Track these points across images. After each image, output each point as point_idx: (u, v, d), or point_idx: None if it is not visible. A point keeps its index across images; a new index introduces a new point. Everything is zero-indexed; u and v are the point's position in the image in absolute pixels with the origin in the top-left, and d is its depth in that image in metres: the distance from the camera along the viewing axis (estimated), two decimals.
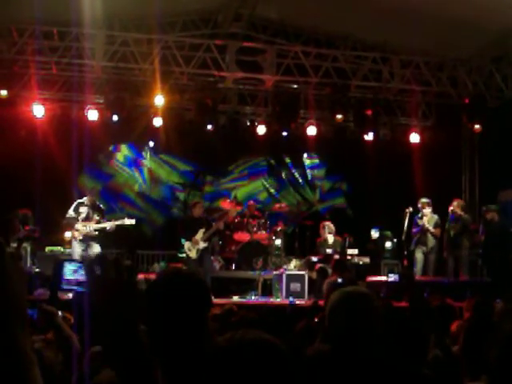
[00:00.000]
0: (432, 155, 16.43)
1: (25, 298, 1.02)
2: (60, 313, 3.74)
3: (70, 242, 13.77)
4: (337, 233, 14.77)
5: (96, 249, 13.01)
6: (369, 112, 16.53)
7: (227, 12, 15.91)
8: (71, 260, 12.14)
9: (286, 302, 12.67)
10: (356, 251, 14.65)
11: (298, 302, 12.38)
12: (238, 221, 15.46)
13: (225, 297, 13.10)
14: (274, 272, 14.24)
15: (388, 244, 15.69)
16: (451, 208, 14.29)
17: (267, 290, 14.14)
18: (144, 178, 17.99)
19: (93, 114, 15.65)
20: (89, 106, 15.61)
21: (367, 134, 16.89)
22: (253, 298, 13.55)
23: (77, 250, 12.97)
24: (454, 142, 17.67)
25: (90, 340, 3.20)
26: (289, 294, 13.32)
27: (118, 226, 13.41)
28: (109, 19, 14.05)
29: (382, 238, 15.78)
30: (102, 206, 13.89)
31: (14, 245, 12.43)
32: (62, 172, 14.21)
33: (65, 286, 10.12)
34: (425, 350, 3.91)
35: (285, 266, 14.49)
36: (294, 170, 18.85)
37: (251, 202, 16.38)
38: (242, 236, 15.21)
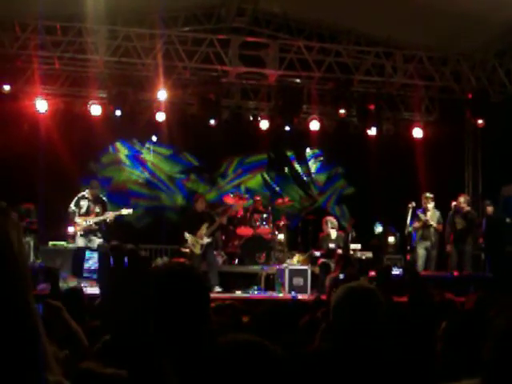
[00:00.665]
0: (435, 150, 16.44)
1: (26, 256, 1.05)
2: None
3: (73, 237, 13.82)
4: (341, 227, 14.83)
5: (96, 243, 13.03)
6: (372, 107, 16.55)
7: (230, 6, 15.92)
8: (92, 249, 12.23)
9: (289, 296, 12.69)
10: (359, 246, 14.68)
11: (300, 297, 12.39)
12: (241, 215, 15.47)
13: (228, 291, 13.14)
14: (277, 266, 14.26)
15: (391, 239, 15.71)
16: (457, 203, 14.29)
17: (270, 284, 14.16)
18: (150, 171, 18.00)
19: (96, 109, 15.67)
20: (92, 101, 15.64)
21: (370, 128, 16.90)
22: (256, 293, 13.57)
23: (80, 244, 13.01)
24: (458, 136, 17.68)
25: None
26: (291, 288, 13.35)
27: (116, 216, 13.42)
28: (111, 14, 14.05)
29: (385, 233, 15.81)
30: (105, 198, 13.90)
31: None
32: (65, 166, 14.24)
33: (85, 274, 10.18)
34: (430, 344, 3.93)
35: (288, 261, 14.51)
36: (296, 165, 18.85)
37: (257, 196, 16.36)
38: (245, 231, 15.23)
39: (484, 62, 16.87)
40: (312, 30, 16.85)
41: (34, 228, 13.69)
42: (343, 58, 16.50)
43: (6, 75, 15.31)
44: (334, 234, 14.40)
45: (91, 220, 13.03)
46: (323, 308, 5.20)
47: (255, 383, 1.88)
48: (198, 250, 13.45)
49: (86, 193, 13.47)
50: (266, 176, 18.57)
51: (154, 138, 17.57)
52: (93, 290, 10.10)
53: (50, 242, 14.02)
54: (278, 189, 18.44)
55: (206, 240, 13.54)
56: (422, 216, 14.34)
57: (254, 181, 18.49)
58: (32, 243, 13.65)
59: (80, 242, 13.03)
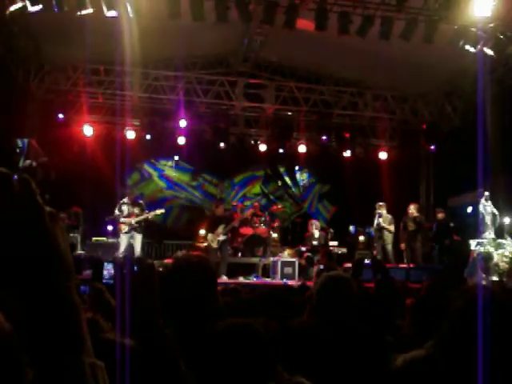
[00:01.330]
0: (396, 169, 16.45)
1: (70, 255, 0.97)
2: None
3: (112, 234, 13.86)
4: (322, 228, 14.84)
5: (138, 238, 12.98)
6: (347, 134, 16.63)
7: (237, 55, 15.96)
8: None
9: (281, 282, 12.68)
10: (336, 243, 14.68)
11: (290, 283, 12.38)
12: (244, 218, 15.47)
13: (233, 278, 13.13)
14: (272, 259, 14.25)
15: (361, 238, 15.70)
16: (409, 210, 14.29)
17: (266, 272, 14.15)
18: (173, 182, 18.04)
19: (130, 134, 15.73)
20: (127, 128, 15.68)
21: (346, 151, 16.97)
22: (254, 279, 13.56)
23: (123, 240, 12.97)
24: (414, 158, 17.69)
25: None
26: (283, 276, 13.33)
27: (153, 215, 13.40)
28: (144, 59, 14.08)
29: (357, 233, 15.80)
30: (141, 201, 13.84)
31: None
32: (106, 179, 14.24)
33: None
34: (390, 321, 3.95)
35: (280, 254, 14.50)
36: (287, 180, 18.87)
37: (256, 203, 16.39)
38: (247, 230, 15.21)
39: (435, 101, 16.94)
40: (301, 74, 16.87)
41: (79, 226, 13.75)
42: (325, 96, 16.60)
43: (60, 107, 15.39)
44: (317, 233, 14.39)
45: (132, 220, 13.00)
46: (308, 291, 5.20)
47: (244, 356, 1.91)
48: (215, 245, 13.50)
49: (125, 199, 13.44)
50: (263, 188, 18.60)
51: (176, 158, 17.61)
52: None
53: (93, 238, 14.03)
54: (272, 198, 18.47)
55: (222, 237, 13.59)
56: (376, 221, 14.26)
57: (254, 189, 18.56)
58: (79, 238, 13.66)
59: (123, 238, 12.95)
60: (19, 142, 12.15)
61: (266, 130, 17.03)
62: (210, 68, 16.52)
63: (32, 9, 9.94)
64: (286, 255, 14.56)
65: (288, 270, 13.56)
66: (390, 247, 14.22)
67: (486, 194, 12.96)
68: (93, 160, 15.11)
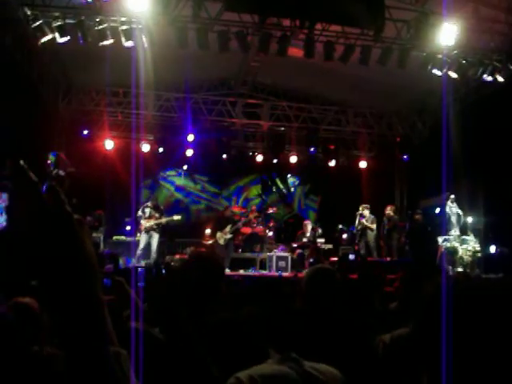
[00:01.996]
0: (375, 176, 16.47)
1: (95, 257, 0.96)
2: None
3: (131, 233, 13.85)
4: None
5: (155, 237, 12.97)
6: (332, 147, 16.65)
7: (237, 79, 15.98)
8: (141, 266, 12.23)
9: (276, 274, 12.67)
10: (323, 240, 14.67)
11: (284, 275, 12.38)
12: (244, 219, 15.45)
13: (234, 270, 13.13)
14: (268, 254, 14.24)
15: (345, 235, 15.68)
16: (386, 211, 14.28)
17: (263, 266, 14.14)
18: (182, 189, 18.03)
19: (145, 147, 15.73)
20: (143, 142, 15.69)
21: (331, 161, 16.98)
22: (253, 272, 13.55)
23: (143, 238, 12.98)
24: (390, 167, 17.71)
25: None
26: (277, 269, 13.33)
27: (170, 220, 13.40)
28: (157, 83, 14.11)
29: (341, 231, 15.76)
30: (161, 207, 13.86)
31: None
32: (124, 186, 14.21)
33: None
34: (371, 306, 3.95)
35: (275, 250, 14.48)
36: (281, 186, 18.86)
37: (254, 206, 16.40)
38: (246, 230, 15.20)
39: (408, 117, 16.97)
40: (292, 95, 16.89)
41: (102, 227, 13.74)
42: (313, 114, 16.63)
43: (85, 124, 15.41)
44: (308, 232, 14.37)
45: (152, 222, 13.00)
46: (299, 282, 5.20)
47: (234, 344, 1.91)
48: (222, 242, 13.54)
49: (148, 203, 13.45)
50: (260, 193, 18.59)
51: (185, 167, 17.59)
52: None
53: (114, 236, 14.01)
54: (268, 201, 18.46)
55: (229, 236, 13.64)
56: (361, 220, 14.24)
57: (251, 193, 18.56)
58: (102, 237, 13.65)
59: (143, 237, 12.95)
60: (50, 155, 12.16)
61: (262, 143, 17.05)
62: (213, 90, 16.54)
63: (60, 40, 9.96)
64: (280, 251, 14.52)
65: (282, 263, 13.55)
66: (372, 244, 14.22)
67: (452, 196, 12.98)
68: (113, 169, 15.09)
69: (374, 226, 14.13)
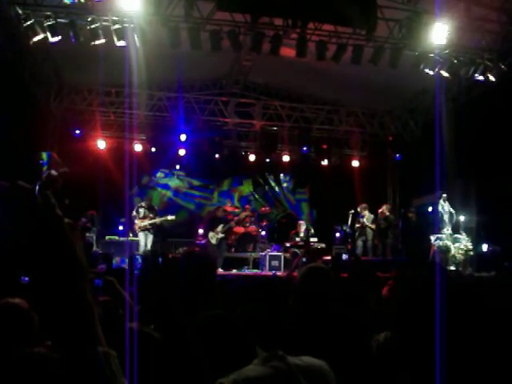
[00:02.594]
0: (367, 175, 16.48)
1: (86, 261, 0.97)
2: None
3: (124, 234, 13.84)
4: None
5: (150, 237, 13.05)
6: (324, 146, 16.64)
7: (229, 78, 15.97)
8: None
9: (270, 273, 12.66)
10: (316, 239, 14.67)
11: (278, 274, 12.38)
12: (239, 219, 15.45)
13: (227, 269, 13.11)
14: (261, 253, 14.24)
15: (337, 234, 15.69)
16: (381, 210, 14.30)
17: (256, 265, 14.14)
18: (175, 190, 17.99)
19: (138, 147, 15.68)
20: (135, 141, 15.64)
21: (323, 160, 16.97)
22: (246, 271, 13.55)
23: (141, 237, 13.08)
24: (382, 166, 17.75)
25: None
26: (271, 268, 13.33)
27: (164, 220, 13.46)
28: (149, 82, 14.07)
29: (334, 231, 15.77)
30: (156, 207, 13.94)
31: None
32: (117, 186, 14.17)
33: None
34: (364, 305, 3.94)
35: (268, 250, 14.48)
36: (274, 185, 18.85)
37: (247, 205, 16.39)
38: (239, 229, 15.21)
39: (400, 116, 17.01)
40: (284, 94, 16.90)
41: (94, 227, 13.70)
42: (305, 113, 16.64)
43: (77, 124, 15.33)
44: (302, 232, 14.38)
45: (147, 222, 13.02)
46: (293, 281, 5.19)
47: (220, 341, 1.90)
48: (214, 241, 13.54)
49: (143, 203, 13.49)
50: (253, 192, 18.57)
51: (178, 167, 17.55)
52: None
53: (107, 236, 13.97)
54: (261, 201, 18.44)
55: (221, 235, 13.64)
56: (361, 220, 14.29)
57: (244, 192, 18.53)
58: (94, 237, 13.59)
59: (141, 235, 13.09)
60: (42, 155, 12.11)
61: (254, 143, 17.03)
62: (206, 89, 16.52)
63: (52, 39, 9.91)
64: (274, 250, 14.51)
65: (275, 262, 13.57)
66: (370, 243, 14.27)
67: (444, 195, 13.03)
68: (106, 169, 15.03)
69: (373, 226, 14.20)
